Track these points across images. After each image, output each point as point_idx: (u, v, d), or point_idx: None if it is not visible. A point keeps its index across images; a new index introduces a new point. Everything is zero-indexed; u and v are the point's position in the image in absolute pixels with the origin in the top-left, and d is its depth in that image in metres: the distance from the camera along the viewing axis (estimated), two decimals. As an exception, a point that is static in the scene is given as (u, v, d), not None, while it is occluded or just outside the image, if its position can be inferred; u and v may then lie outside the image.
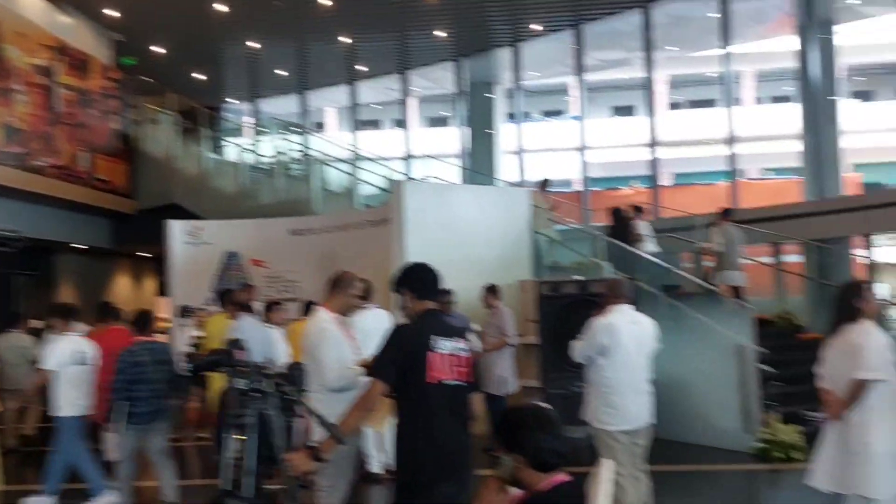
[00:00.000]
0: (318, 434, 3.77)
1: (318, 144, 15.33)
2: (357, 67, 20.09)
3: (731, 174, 15.95)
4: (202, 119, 15.86)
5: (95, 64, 15.60)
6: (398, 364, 3.27)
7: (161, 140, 16.11)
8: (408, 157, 20.38)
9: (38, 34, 13.73)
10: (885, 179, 26.06)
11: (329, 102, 24.30)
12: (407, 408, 3.31)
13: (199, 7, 15.18)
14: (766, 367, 7.83)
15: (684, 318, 8.23)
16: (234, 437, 4.09)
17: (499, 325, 7.91)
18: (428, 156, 16.61)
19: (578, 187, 18.92)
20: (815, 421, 4.25)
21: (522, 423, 2.52)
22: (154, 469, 6.09)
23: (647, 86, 17.07)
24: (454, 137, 20.31)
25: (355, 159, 15.44)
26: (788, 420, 7.42)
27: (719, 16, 15.69)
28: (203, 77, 20.06)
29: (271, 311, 7.34)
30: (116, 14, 15.59)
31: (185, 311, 10.29)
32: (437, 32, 17.65)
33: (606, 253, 9.91)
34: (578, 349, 5.11)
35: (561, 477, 2.49)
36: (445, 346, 3.31)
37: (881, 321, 9.18)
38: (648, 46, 16.61)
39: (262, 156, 15.14)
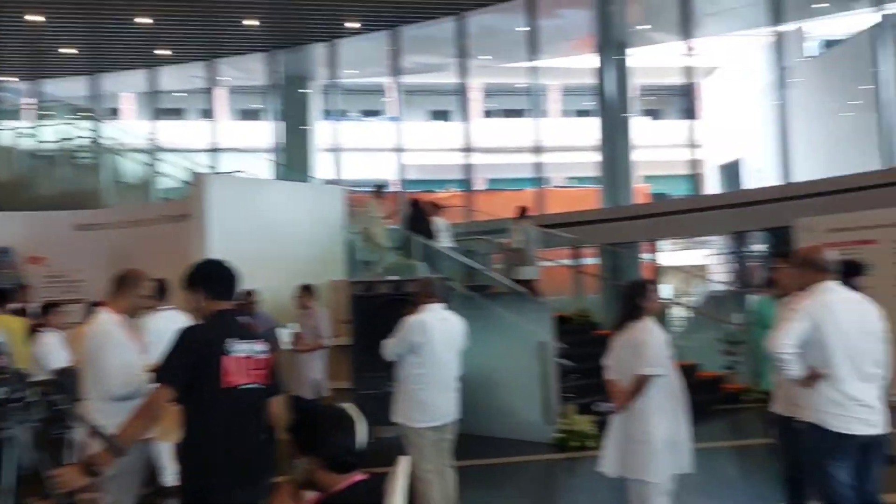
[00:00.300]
0: (96, 446, 3.41)
1: (112, 132, 14.13)
2: (158, 52, 18.82)
3: (538, 181, 16.84)
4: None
5: None
6: (186, 368, 3.07)
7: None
8: (214, 150, 19.42)
9: None
10: (669, 190, 28.97)
11: (126, 87, 22.62)
12: (197, 414, 3.11)
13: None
14: (564, 362, 8.28)
15: (492, 316, 8.50)
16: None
17: (314, 326, 7.73)
18: (237, 149, 15.94)
19: (395, 189, 19.06)
20: (602, 411, 4.50)
21: (316, 425, 2.47)
22: None
23: (461, 92, 17.57)
24: (266, 132, 19.68)
25: (154, 150, 14.42)
26: (584, 411, 7.88)
27: (528, 29, 16.52)
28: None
29: (49, 313, 6.61)
30: None
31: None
32: (248, 21, 16.98)
33: (421, 253, 10.02)
34: (390, 347, 5.13)
35: (357, 476, 2.46)
36: (241, 348, 3.15)
37: (662, 318, 10.05)
38: (463, 54, 17.11)
39: (44, 141, 13.68)
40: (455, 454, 5.27)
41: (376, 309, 7.84)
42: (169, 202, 10.89)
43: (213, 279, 3.29)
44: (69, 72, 19.93)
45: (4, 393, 3.59)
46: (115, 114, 23.73)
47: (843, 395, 3.69)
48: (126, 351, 4.10)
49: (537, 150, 16.62)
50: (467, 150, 17.36)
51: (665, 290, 14.22)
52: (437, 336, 5.03)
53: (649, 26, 17.64)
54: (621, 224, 14.21)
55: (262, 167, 17.32)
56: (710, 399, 9.69)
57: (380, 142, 21.50)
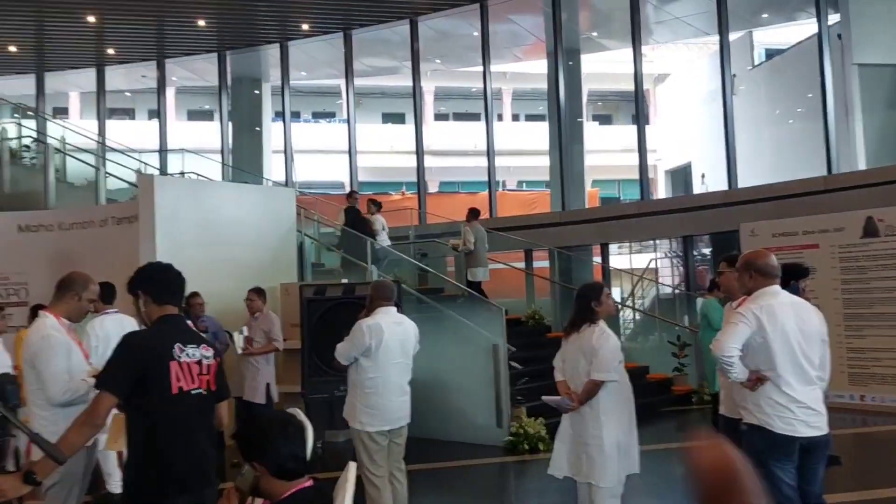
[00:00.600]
0: (36, 454, 3.29)
1: (57, 131, 13.70)
2: (106, 51, 18.36)
3: (490, 185, 16.92)
4: None
5: None
6: (130, 374, 2.99)
7: None
8: (163, 151, 18.99)
9: None
10: (618, 194, 29.44)
11: (72, 86, 21.99)
12: (141, 421, 3.03)
13: None
14: (516, 365, 8.31)
15: (444, 318, 8.49)
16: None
17: (266, 329, 7.60)
18: (187, 150, 15.59)
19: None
20: (550, 404, 4.51)
21: (263, 431, 2.44)
22: None
23: (414, 95, 17.55)
24: (217, 133, 19.34)
25: (101, 150, 14.03)
26: (535, 414, 7.93)
27: (480, 34, 16.60)
28: None
29: (-12, 316, 6.36)
30: None
31: None
32: (198, 21, 16.68)
33: (372, 255, 9.97)
34: (342, 351, 5.04)
35: (304, 483, 2.44)
36: (187, 353, 3.08)
37: (613, 321, 10.18)
38: (416, 57, 17.09)
39: (-13, 141, 13.19)
40: (407, 458, 5.24)
41: (328, 312, 7.76)
42: (116, 204, 10.59)
43: (157, 283, 3.22)
44: (13, 70, 19.28)
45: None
46: (62, 113, 23.06)
47: (786, 397, 3.75)
48: (69, 356, 3.99)
49: (490, 153, 16.69)
50: (419, 152, 17.34)
51: (615, 293, 14.43)
52: (390, 339, 4.98)
53: (599, 33, 17.90)
54: (572, 227, 14.38)
55: (213, 168, 17.02)
56: (659, 400, 9.86)
57: (333, 144, 21.33)
